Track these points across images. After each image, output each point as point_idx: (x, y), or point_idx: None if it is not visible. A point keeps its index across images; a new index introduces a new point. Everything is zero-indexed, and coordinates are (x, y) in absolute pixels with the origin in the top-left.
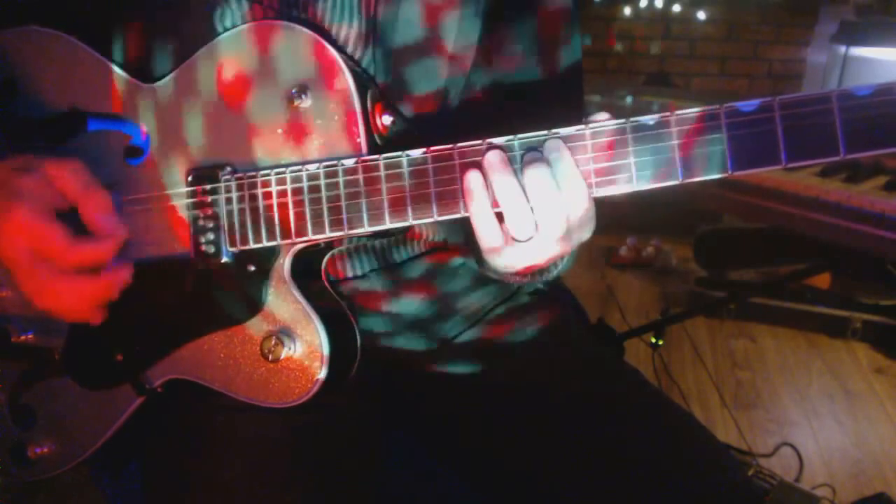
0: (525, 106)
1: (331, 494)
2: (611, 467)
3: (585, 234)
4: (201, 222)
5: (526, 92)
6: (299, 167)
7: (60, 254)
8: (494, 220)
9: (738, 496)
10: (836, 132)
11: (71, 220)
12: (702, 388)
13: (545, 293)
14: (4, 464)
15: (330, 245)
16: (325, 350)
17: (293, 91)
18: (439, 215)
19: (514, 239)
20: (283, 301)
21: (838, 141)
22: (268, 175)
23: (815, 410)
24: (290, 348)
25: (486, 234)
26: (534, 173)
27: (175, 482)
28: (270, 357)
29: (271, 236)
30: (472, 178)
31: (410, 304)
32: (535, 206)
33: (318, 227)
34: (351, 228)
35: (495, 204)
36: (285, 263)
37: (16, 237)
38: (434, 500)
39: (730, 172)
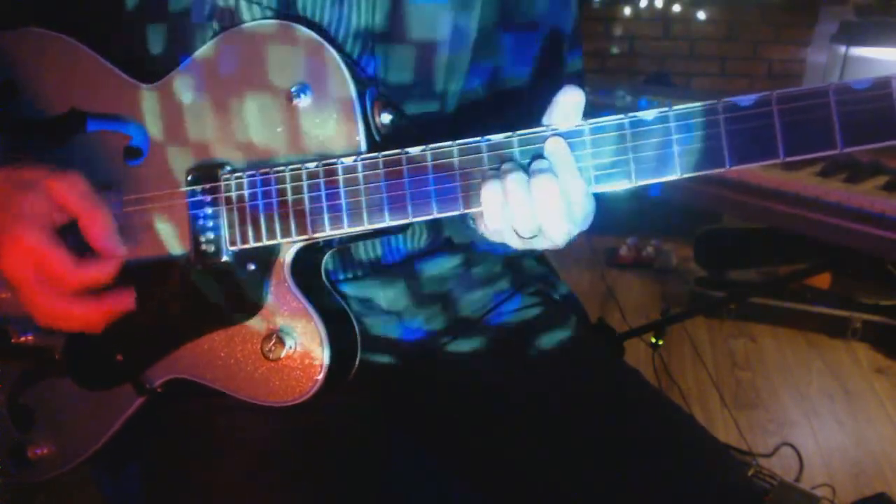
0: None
1: (331, 494)
2: (610, 467)
3: (583, 227)
4: (201, 222)
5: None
6: (299, 166)
7: (64, 277)
8: (508, 223)
9: (738, 496)
10: (834, 126)
11: (73, 233)
12: (702, 388)
13: (545, 293)
14: (4, 465)
15: (330, 243)
16: (326, 349)
17: (293, 90)
18: (439, 212)
19: (518, 235)
20: (283, 300)
21: (835, 135)
22: (268, 174)
23: (815, 410)
24: (290, 347)
25: (498, 231)
26: (542, 186)
27: (175, 483)
28: (271, 356)
29: (271, 235)
30: (492, 189)
31: (410, 303)
32: (539, 214)
33: (318, 225)
34: (351, 226)
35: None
36: (285, 262)
37: (21, 259)
38: (434, 500)
39: (728, 167)
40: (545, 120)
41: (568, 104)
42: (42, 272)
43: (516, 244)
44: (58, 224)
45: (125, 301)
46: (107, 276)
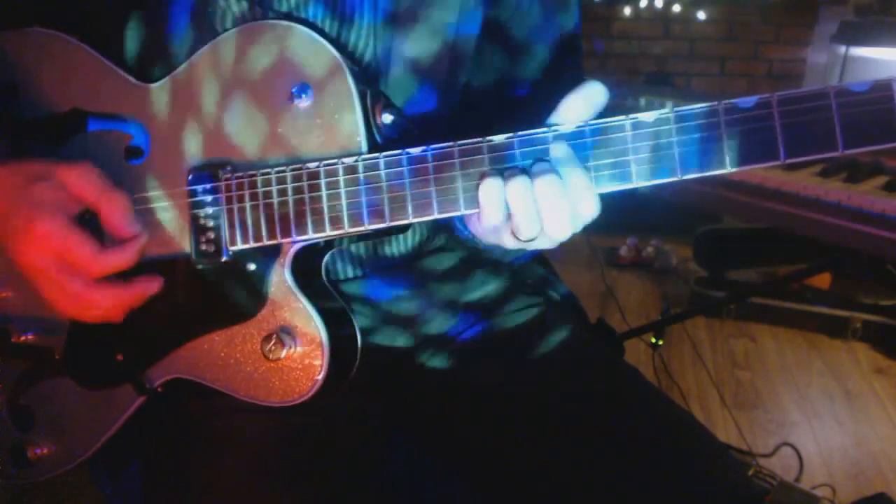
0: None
1: (331, 495)
2: (610, 467)
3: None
4: (201, 221)
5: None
6: (299, 166)
7: (87, 264)
8: (505, 222)
9: (738, 496)
10: (835, 128)
11: (89, 222)
12: (702, 388)
13: (545, 293)
14: (4, 465)
15: (330, 244)
16: (326, 349)
17: (293, 90)
18: (440, 213)
19: (516, 238)
20: (283, 300)
21: (836, 137)
22: (268, 174)
23: (815, 410)
24: (290, 347)
25: (494, 231)
26: (546, 189)
27: (175, 483)
28: (271, 356)
29: (271, 235)
30: (492, 185)
31: (410, 302)
32: (544, 216)
33: (319, 225)
34: (351, 227)
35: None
36: (285, 262)
37: (41, 249)
38: (434, 501)
39: (728, 169)
40: (556, 113)
41: (589, 102)
42: (63, 260)
43: (510, 244)
44: (73, 213)
45: (152, 285)
46: (129, 260)
